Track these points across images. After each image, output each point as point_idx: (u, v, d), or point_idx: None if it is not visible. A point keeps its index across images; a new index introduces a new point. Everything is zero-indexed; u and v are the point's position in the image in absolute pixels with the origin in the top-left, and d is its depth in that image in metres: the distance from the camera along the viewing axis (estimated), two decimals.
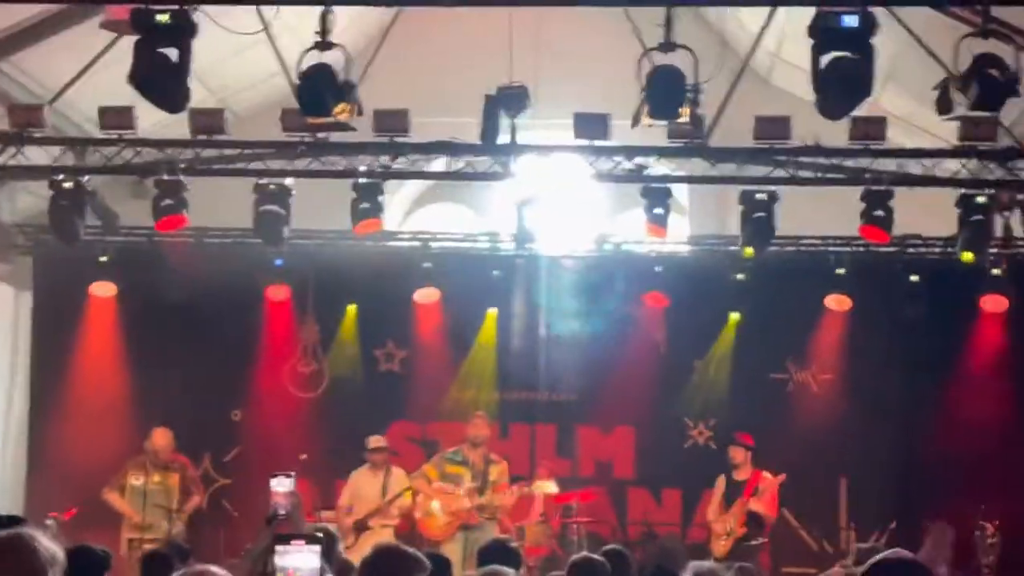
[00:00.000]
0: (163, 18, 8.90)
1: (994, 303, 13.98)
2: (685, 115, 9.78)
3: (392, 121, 11.74)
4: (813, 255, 14.42)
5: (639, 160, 12.28)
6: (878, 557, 4.25)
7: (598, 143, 11.81)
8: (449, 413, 14.70)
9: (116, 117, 11.75)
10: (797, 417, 14.69)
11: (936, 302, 13.97)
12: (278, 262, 14.35)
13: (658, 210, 12.29)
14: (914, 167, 12.05)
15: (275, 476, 5.60)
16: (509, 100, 11.54)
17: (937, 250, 14.01)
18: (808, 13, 8.80)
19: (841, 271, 14.16)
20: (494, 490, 13.17)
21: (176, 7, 8.94)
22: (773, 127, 11.54)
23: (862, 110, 10.44)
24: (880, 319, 14.33)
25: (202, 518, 13.86)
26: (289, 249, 13.76)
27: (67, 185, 12.29)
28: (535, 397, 15.12)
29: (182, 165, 12.23)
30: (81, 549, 6.80)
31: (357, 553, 10.65)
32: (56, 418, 14.64)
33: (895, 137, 12.25)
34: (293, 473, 5.66)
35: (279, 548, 4.13)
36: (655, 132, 11.56)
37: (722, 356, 14.92)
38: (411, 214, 16.50)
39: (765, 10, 11.72)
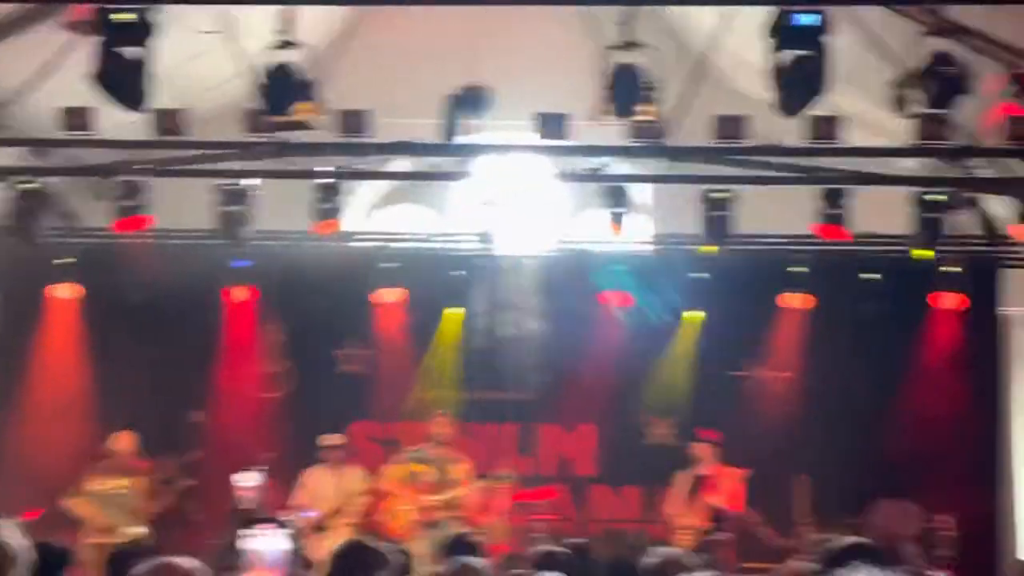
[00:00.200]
0: (124, 18, 8.93)
1: (949, 300, 14.17)
2: (649, 113, 9.88)
3: (354, 121, 11.75)
4: (771, 254, 14.55)
5: (598, 160, 12.37)
6: (840, 545, 4.36)
7: (559, 143, 11.89)
8: (411, 413, 14.71)
9: (77, 118, 11.70)
10: (756, 415, 14.79)
11: (892, 299, 14.14)
12: (240, 263, 14.33)
13: (619, 209, 12.38)
14: (870, 165, 12.20)
15: (241, 472, 5.64)
16: (470, 100, 11.61)
17: (893, 248, 14.16)
18: (765, 13, 8.92)
19: (799, 269, 14.31)
20: (457, 488, 13.26)
21: (137, 7, 8.96)
22: (731, 126, 11.65)
23: (819, 109, 10.60)
24: (838, 317, 14.47)
25: (165, 520, 13.82)
26: (251, 250, 13.75)
27: (28, 186, 12.26)
28: (497, 396, 15.17)
29: (144, 166, 12.21)
30: (41, 545, 6.81)
31: (317, 552, 10.71)
32: (17, 420, 14.56)
33: (851, 136, 12.39)
34: (261, 468, 5.70)
35: (246, 533, 4.14)
36: (615, 132, 11.66)
37: (683, 354, 15.04)
38: (372, 215, 16.52)
39: (722, 10, 11.84)
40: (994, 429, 14.70)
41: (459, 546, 7.35)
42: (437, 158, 12.35)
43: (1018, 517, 14.80)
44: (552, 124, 11.73)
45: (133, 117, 11.49)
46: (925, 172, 12.13)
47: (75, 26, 10.59)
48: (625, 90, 9.69)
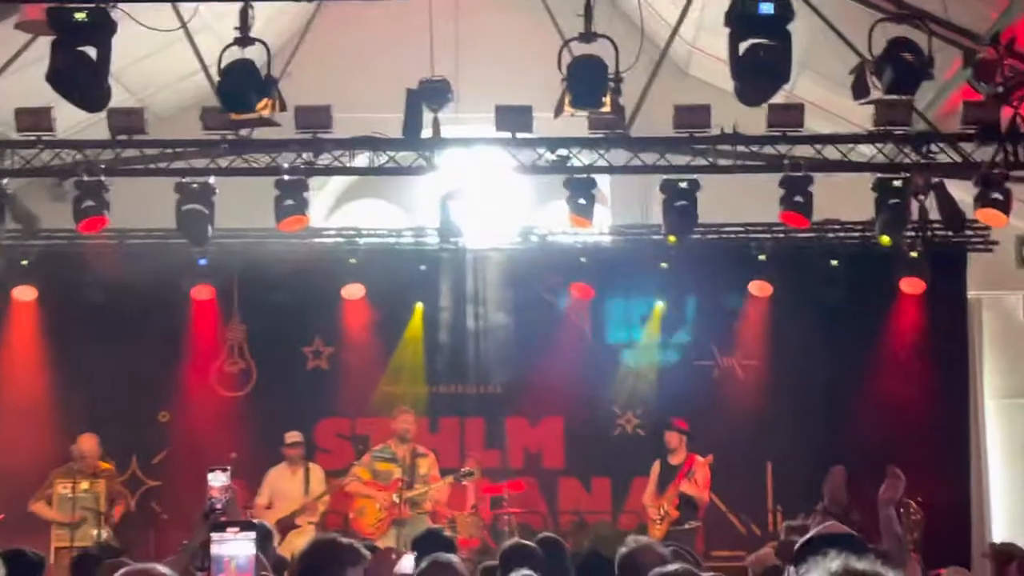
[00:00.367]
0: (81, 16, 8.84)
1: (912, 285, 14.24)
2: (606, 104, 9.87)
3: (314, 117, 11.72)
4: (735, 242, 14.59)
5: (561, 151, 12.36)
6: (813, 531, 4.36)
7: (520, 135, 11.87)
8: (378, 408, 14.68)
9: (33, 118, 11.62)
10: (723, 403, 14.84)
11: (856, 285, 14.21)
12: (202, 261, 14.26)
13: (581, 201, 12.36)
14: (831, 153, 12.25)
15: (212, 470, 5.59)
16: (431, 94, 11.56)
17: (856, 234, 14.25)
18: (724, 3, 8.93)
19: (763, 257, 14.36)
20: (425, 483, 13.25)
21: (93, 5, 8.87)
22: (693, 116, 11.68)
23: (779, 98, 10.63)
24: (802, 304, 14.53)
25: (131, 522, 13.75)
26: (213, 248, 13.68)
27: None
28: (463, 390, 15.18)
29: (102, 166, 12.11)
30: (15, 552, 6.77)
31: (285, 551, 10.66)
32: None
33: (812, 124, 12.44)
34: (229, 467, 5.65)
35: (215, 536, 4.10)
36: (577, 123, 11.66)
37: (648, 345, 15.07)
38: (335, 210, 16.47)
39: (682, 1, 11.85)
40: (963, 412, 14.79)
41: (429, 542, 7.30)
42: (399, 152, 12.28)
43: (988, 500, 14.90)
44: (513, 117, 11.72)
45: (91, 117, 11.46)
46: (885, 158, 12.16)
47: (30, 26, 10.47)
48: (586, 81, 9.67)
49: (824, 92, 13.20)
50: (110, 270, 13.98)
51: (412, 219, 15.78)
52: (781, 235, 14.17)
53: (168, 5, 10.73)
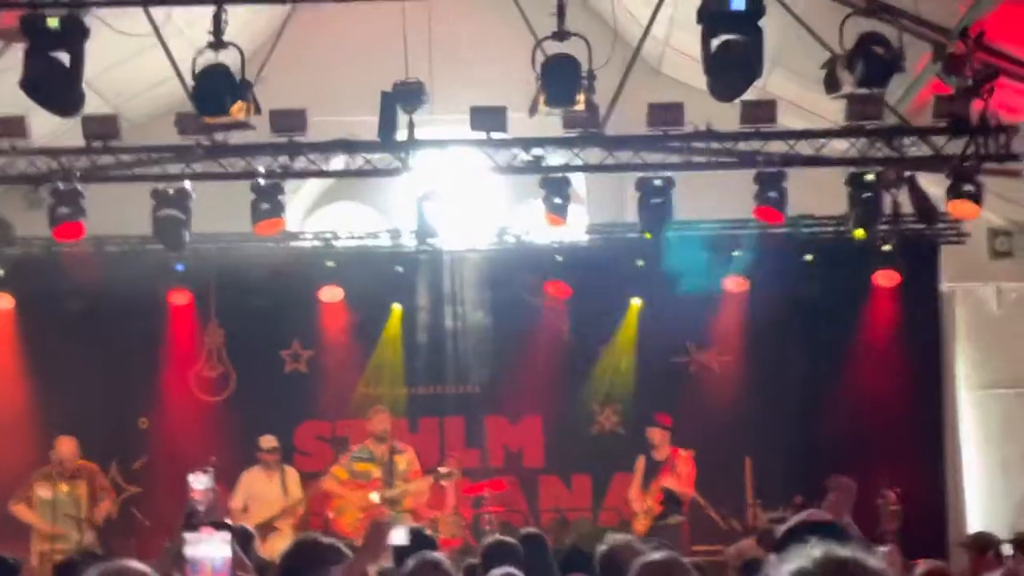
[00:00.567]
0: (53, 23, 8.85)
1: (886, 278, 14.33)
2: (580, 102, 9.91)
3: (289, 121, 11.73)
4: (710, 239, 14.64)
5: (536, 151, 12.40)
6: (795, 520, 4.41)
7: (495, 135, 11.91)
8: (358, 410, 14.68)
9: (7, 126, 11.60)
10: (700, 399, 14.89)
11: (830, 279, 14.30)
12: (179, 267, 14.25)
13: (557, 200, 12.41)
14: (804, 148, 12.33)
15: (193, 473, 5.61)
16: (405, 96, 11.58)
17: (830, 229, 14.32)
18: (696, 1, 8.99)
19: (737, 253, 14.42)
20: (405, 480, 13.27)
21: (66, 11, 8.88)
22: (666, 113, 11.74)
23: (752, 94, 10.69)
24: (777, 299, 14.59)
25: (112, 527, 13.73)
26: (190, 253, 13.68)
27: None
28: (442, 390, 15.21)
29: (77, 173, 12.09)
30: None
31: (266, 554, 10.67)
32: None
33: (784, 120, 12.50)
34: (211, 469, 5.68)
35: (190, 538, 4.04)
36: (551, 123, 11.71)
37: (625, 342, 15.11)
38: (312, 214, 16.47)
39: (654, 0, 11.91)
40: (938, 404, 14.89)
41: (412, 542, 7.31)
42: (374, 155, 12.30)
43: (963, 490, 15.00)
44: (487, 117, 11.75)
45: (66, 124, 11.46)
46: (857, 152, 12.24)
47: (3, 33, 10.47)
48: (560, 80, 9.71)
49: (796, 88, 13.28)
50: (87, 277, 13.95)
51: (388, 221, 15.79)
52: (756, 231, 14.24)
53: (140, 12, 10.72)
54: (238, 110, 9.57)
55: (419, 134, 12.01)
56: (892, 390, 14.38)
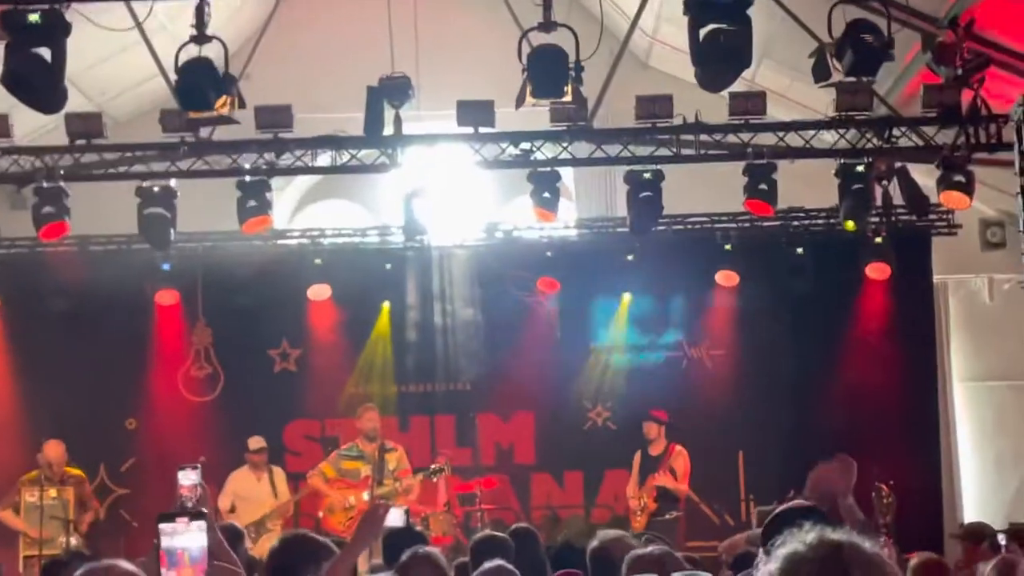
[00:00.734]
0: (34, 18, 8.76)
1: (878, 270, 14.27)
2: (568, 94, 9.82)
3: (275, 117, 11.64)
4: (700, 232, 14.59)
5: (524, 145, 12.32)
6: (779, 508, 4.35)
7: (483, 130, 11.82)
8: (347, 409, 14.59)
9: None
10: (692, 394, 14.84)
11: (822, 272, 14.24)
12: (165, 266, 14.16)
13: (546, 194, 12.32)
14: (794, 140, 12.26)
15: (182, 468, 5.51)
16: (392, 91, 11.50)
17: (820, 221, 14.27)
18: None
19: (728, 247, 14.36)
20: (395, 478, 13.18)
21: (47, 6, 8.79)
22: (655, 106, 11.66)
23: (740, 86, 10.62)
24: (769, 292, 14.53)
25: (101, 530, 13.63)
26: (176, 252, 13.59)
27: None
28: (433, 388, 15.14)
29: (61, 172, 11.99)
30: None
31: (258, 555, 10.59)
32: None
33: (774, 112, 12.45)
34: (199, 465, 5.57)
35: (166, 528, 3.89)
36: (539, 117, 11.63)
37: (616, 337, 15.05)
38: (299, 212, 16.39)
39: None
40: (931, 396, 14.83)
41: (401, 539, 7.24)
42: (361, 151, 12.21)
43: (958, 482, 14.96)
44: (474, 112, 11.67)
45: (49, 123, 11.36)
46: (847, 144, 12.17)
47: None
48: (547, 71, 9.62)
49: (785, 80, 13.23)
50: (72, 277, 13.86)
51: (376, 218, 15.72)
52: (746, 224, 14.19)
53: (122, 8, 10.63)
54: (222, 104, 9.47)
55: (406, 130, 11.94)
56: (884, 383, 14.33)
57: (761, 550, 4.87)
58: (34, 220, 12.07)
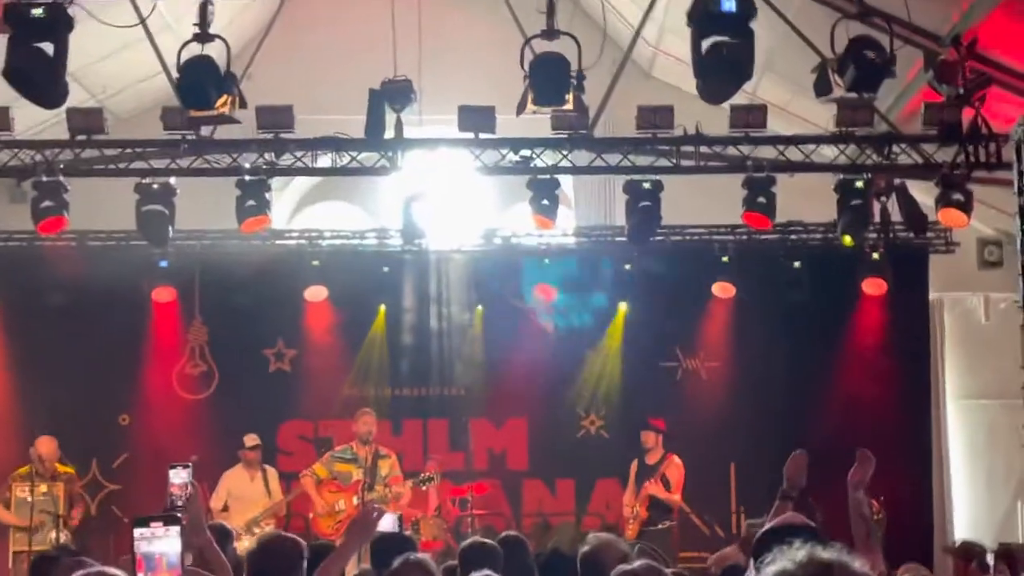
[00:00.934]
0: (37, 12, 8.76)
1: (874, 286, 14.30)
2: (569, 102, 9.83)
3: (276, 117, 11.64)
4: (698, 243, 14.60)
5: (524, 152, 12.33)
6: (771, 524, 4.34)
7: (483, 136, 11.83)
8: (341, 411, 14.60)
9: None
10: (686, 405, 14.85)
11: (818, 286, 14.26)
12: (163, 263, 14.17)
13: (545, 201, 12.32)
14: (794, 154, 12.26)
15: (173, 467, 5.50)
16: (393, 94, 11.50)
17: (818, 235, 14.30)
18: (687, 5, 8.91)
19: (726, 259, 14.37)
20: (386, 484, 13.17)
21: (51, 1, 8.79)
22: (656, 116, 11.67)
23: (741, 99, 10.62)
24: (765, 305, 14.55)
25: (92, 526, 13.63)
26: (174, 249, 13.58)
27: None
28: (427, 392, 15.14)
29: (61, 166, 11.99)
30: None
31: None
32: None
33: (774, 126, 12.46)
34: (190, 464, 5.57)
35: (141, 533, 3.85)
36: (540, 124, 11.64)
37: (611, 346, 15.05)
38: (298, 212, 16.39)
39: (645, 2, 11.85)
40: (925, 413, 14.84)
41: (391, 543, 7.22)
42: (362, 153, 12.21)
43: (949, 499, 14.96)
44: (475, 117, 11.67)
45: (50, 117, 11.35)
46: (847, 159, 12.18)
47: None
48: (548, 78, 9.63)
49: (786, 94, 13.23)
50: (70, 272, 13.86)
51: (375, 221, 15.72)
52: (744, 236, 14.21)
53: (127, 5, 10.62)
54: (223, 103, 9.47)
55: (407, 133, 11.94)
56: (879, 398, 14.34)
57: (752, 564, 4.88)
58: (33, 214, 12.04)
